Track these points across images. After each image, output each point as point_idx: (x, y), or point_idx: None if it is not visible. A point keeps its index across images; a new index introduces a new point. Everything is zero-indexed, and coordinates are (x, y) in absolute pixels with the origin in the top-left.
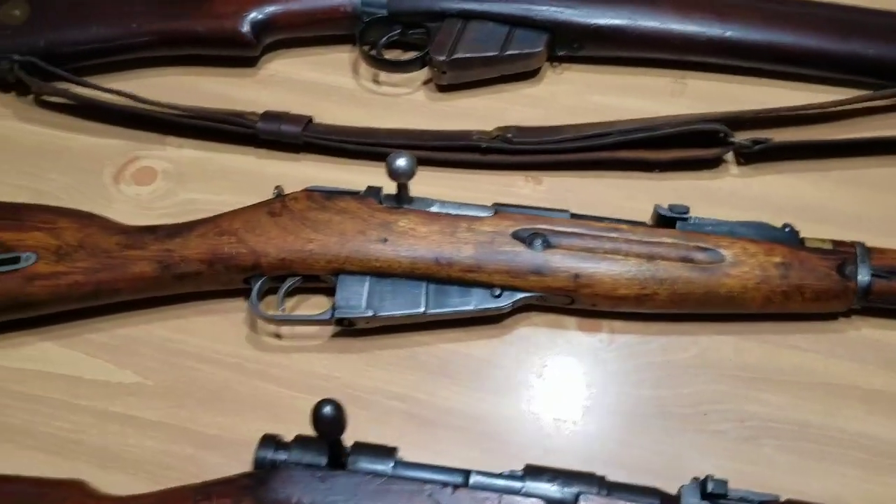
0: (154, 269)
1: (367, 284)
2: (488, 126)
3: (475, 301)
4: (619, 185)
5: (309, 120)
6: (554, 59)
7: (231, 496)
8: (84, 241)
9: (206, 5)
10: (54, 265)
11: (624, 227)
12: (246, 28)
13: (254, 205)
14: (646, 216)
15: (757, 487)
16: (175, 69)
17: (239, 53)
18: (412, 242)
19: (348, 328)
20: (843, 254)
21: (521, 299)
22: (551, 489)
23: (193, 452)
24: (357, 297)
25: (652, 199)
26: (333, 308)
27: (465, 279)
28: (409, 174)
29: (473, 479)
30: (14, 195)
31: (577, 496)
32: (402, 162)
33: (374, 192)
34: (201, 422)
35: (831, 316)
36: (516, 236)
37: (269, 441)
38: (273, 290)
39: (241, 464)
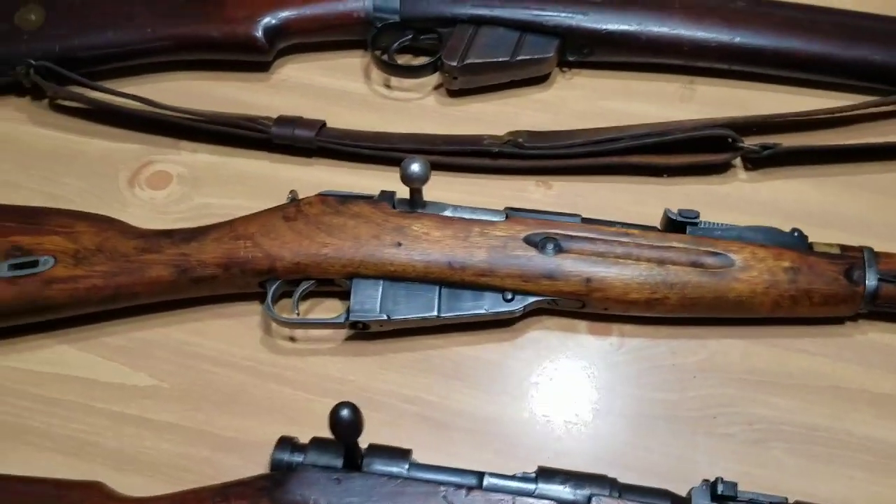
0: (171, 272)
1: (381, 288)
2: (499, 131)
3: (487, 305)
4: (628, 190)
5: (322, 124)
6: (564, 64)
7: (248, 498)
8: (102, 245)
9: (219, 10)
10: (72, 269)
11: (635, 231)
12: (259, 33)
13: (269, 209)
14: (655, 220)
15: (765, 490)
16: (188, 74)
17: (252, 58)
18: (426, 247)
19: (362, 331)
20: (851, 258)
21: (532, 303)
22: (564, 491)
23: (210, 455)
24: (371, 301)
25: (661, 204)
26: (348, 311)
27: (477, 283)
28: (424, 179)
29: (487, 480)
30: (29, 199)
31: (589, 498)
32: (416, 167)
33: (387, 196)
34: (217, 424)
35: (839, 320)
36: (528, 241)
37: (286, 443)
38: (288, 294)
39: (257, 466)
